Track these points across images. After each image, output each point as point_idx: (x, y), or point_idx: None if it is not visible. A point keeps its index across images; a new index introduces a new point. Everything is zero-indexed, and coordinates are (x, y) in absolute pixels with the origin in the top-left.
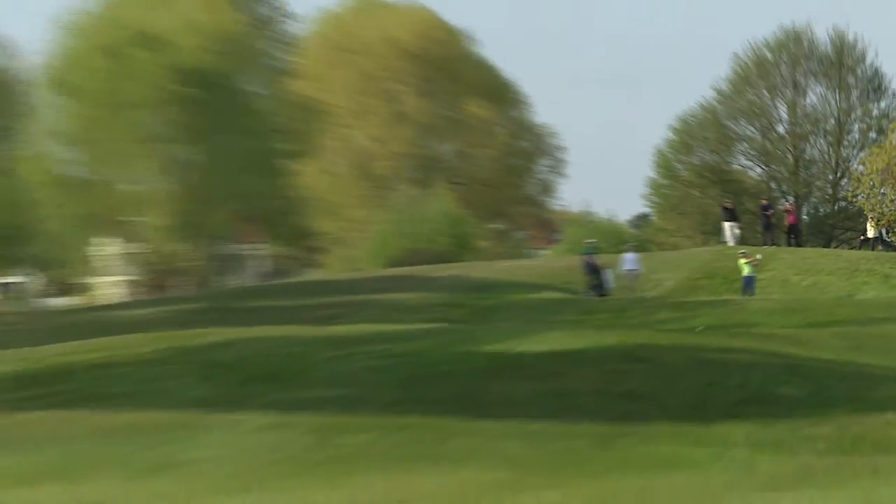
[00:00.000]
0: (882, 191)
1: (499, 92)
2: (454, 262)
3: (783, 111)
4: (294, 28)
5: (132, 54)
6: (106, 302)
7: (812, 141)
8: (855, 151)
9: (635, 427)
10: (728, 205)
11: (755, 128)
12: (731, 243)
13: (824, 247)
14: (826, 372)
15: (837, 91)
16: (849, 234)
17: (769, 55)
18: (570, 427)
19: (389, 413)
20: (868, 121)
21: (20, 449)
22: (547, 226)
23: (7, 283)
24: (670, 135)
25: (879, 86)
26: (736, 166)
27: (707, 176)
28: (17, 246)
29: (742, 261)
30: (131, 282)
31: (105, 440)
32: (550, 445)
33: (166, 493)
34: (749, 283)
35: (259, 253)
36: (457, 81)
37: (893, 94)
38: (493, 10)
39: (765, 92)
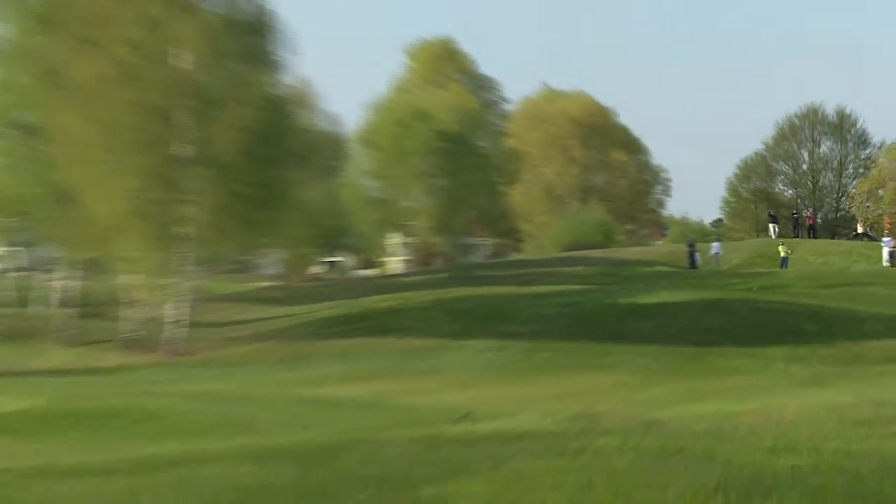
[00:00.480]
0: (867, 205)
1: (631, 144)
2: (603, 249)
3: (806, 156)
4: (507, 106)
5: (411, 123)
6: (392, 273)
7: (823, 174)
8: (850, 180)
9: (712, 348)
10: (772, 213)
11: (788, 166)
12: (773, 237)
13: (831, 238)
14: (833, 315)
15: (839, 143)
16: (846, 230)
17: (797, 121)
18: (673, 349)
19: (564, 340)
20: (858, 161)
21: (348, 361)
22: (660, 225)
23: (334, 261)
24: (736, 170)
25: (865, 140)
26: (776, 189)
27: (758, 195)
28: (340, 238)
29: (780, 247)
30: (407, 260)
31: (396, 355)
32: (662, 360)
33: (429, 388)
34: (784, 261)
35: (484, 243)
36: (605, 138)
37: (874, 145)
38: (634, 88)
39: (794, 144)
